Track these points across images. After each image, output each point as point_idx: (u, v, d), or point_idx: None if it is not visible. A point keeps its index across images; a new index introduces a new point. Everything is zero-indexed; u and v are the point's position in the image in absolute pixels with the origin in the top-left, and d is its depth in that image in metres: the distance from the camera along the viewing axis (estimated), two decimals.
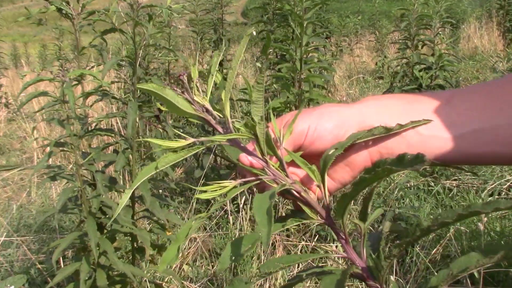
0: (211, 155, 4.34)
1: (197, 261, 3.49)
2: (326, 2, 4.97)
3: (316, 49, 4.65)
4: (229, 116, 0.69)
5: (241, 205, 3.74)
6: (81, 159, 2.37)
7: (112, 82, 3.79)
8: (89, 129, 2.48)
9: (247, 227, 3.58)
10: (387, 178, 3.87)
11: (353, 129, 0.75)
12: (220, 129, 0.69)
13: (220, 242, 3.65)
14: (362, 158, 0.77)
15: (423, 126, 0.74)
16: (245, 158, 0.71)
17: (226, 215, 3.85)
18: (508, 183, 3.81)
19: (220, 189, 0.69)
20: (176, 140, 0.67)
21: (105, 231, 2.50)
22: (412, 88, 5.11)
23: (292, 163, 0.75)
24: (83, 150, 2.52)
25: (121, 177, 4.12)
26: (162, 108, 0.71)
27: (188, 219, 3.76)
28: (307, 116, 0.76)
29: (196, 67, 0.69)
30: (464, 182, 4.02)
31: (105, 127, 3.15)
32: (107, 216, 2.46)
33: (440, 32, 5.34)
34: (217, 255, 3.56)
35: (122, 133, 2.93)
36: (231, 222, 3.66)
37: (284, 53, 4.28)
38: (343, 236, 0.70)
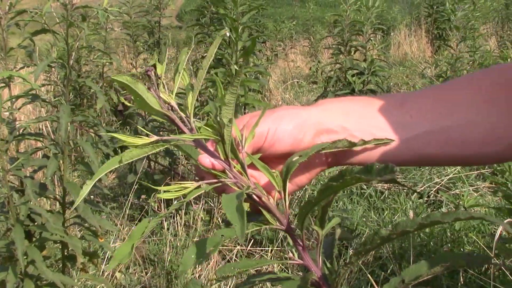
0: (145, 159, 4.27)
1: (130, 268, 3.42)
2: (262, 7, 5.00)
3: (253, 54, 4.66)
4: (192, 116, 0.67)
5: (175, 210, 3.70)
6: (8, 164, 2.28)
7: (43, 85, 3.67)
8: (18, 133, 2.39)
9: (182, 232, 3.54)
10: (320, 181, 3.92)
11: (311, 131, 0.76)
12: (185, 129, 0.67)
13: (154, 249, 3.59)
14: (320, 161, 0.78)
15: (377, 127, 0.75)
16: (206, 159, 0.69)
17: (160, 221, 3.79)
18: (437, 186, 3.93)
19: (182, 190, 0.68)
20: (140, 137, 0.65)
21: (34, 239, 2.40)
22: (345, 92, 5.21)
23: (251, 166, 0.74)
24: (10, 155, 2.42)
25: (51, 183, 3.99)
26: (127, 103, 0.71)
27: (121, 225, 3.68)
28: (266, 118, 0.75)
29: (164, 64, 0.67)
30: (394, 185, 4.12)
31: (33, 132, 3.04)
32: (36, 223, 2.37)
33: (371, 39, 5.47)
34: (151, 261, 3.50)
35: (52, 137, 2.83)
36: (165, 228, 3.61)
37: (220, 57, 4.27)
38: (301, 243, 0.70)
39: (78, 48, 2.50)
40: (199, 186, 0.68)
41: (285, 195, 0.72)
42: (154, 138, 0.66)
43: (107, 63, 6.30)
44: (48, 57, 2.43)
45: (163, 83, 0.66)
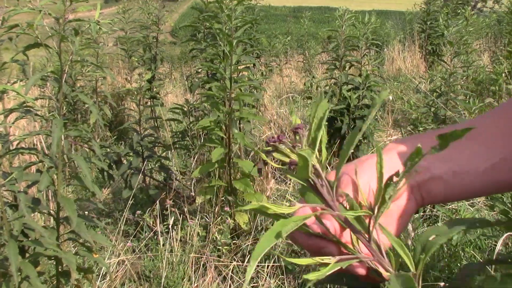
0: (140, 175, 4.24)
1: (125, 285, 3.38)
2: (256, 21, 5.00)
3: (247, 68, 4.65)
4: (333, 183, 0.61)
5: (171, 225, 3.67)
6: (1, 179, 2.25)
7: (36, 99, 3.64)
8: (11, 147, 2.36)
9: (177, 248, 3.51)
10: None
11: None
12: (328, 197, 0.61)
13: (150, 264, 3.55)
14: (411, 205, 0.75)
15: (455, 163, 0.73)
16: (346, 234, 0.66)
17: (155, 236, 3.75)
18: None
19: (323, 267, 0.60)
20: (283, 206, 0.60)
21: (28, 254, 2.37)
22: (341, 108, 5.20)
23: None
24: (4, 170, 2.39)
25: (44, 198, 3.95)
26: (270, 162, 0.62)
27: (116, 241, 3.64)
28: (366, 169, 0.72)
29: (296, 116, 0.63)
30: None
31: (27, 146, 3.01)
32: (30, 239, 2.34)
33: (366, 54, 5.48)
34: (147, 277, 3.46)
35: (46, 152, 2.81)
36: (161, 244, 3.57)
37: (215, 72, 4.26)
38: None
39: (72, 62, 2.48)
40: (339, 260, 0.61)
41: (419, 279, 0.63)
42: (298, 205, 0.60)
43: (101, 78, 6.28)
44: (41, 71, 2.41)
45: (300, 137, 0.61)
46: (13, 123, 2.57)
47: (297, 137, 0.60)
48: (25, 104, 2.29)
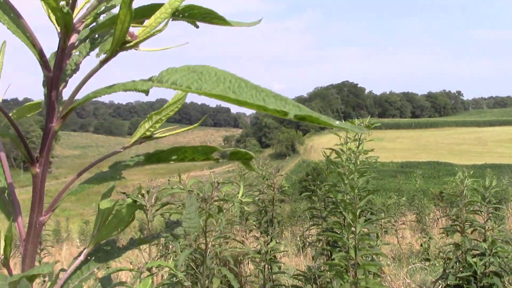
0: None
1: None
2: (377, 190, 5.08)
3: (367, 235, 4.67)
4: None
5: None
6: None
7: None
8: None
9: None
10: None
11: None
12: None
13: None
14: None
15: None
16: None
17: None
18: None
19: None
20: None
21: None
22: (467, 275, 5.00)
23: None
24: None
25: None
26: None
27: None
28: None
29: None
30: None
31: None
32: None
33: (491, 217, 5.35)
34: None
35: None
36: None
37: (336, 240, 4.31)
38: None
39: (214, 237, 2.65)
40: None
41: None
42: None
43: (224, 243, 6.49)
44: (188, 249, 2.58)
45: None
46: None
47: None
48: (175, 278, 2.44)
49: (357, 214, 3.91)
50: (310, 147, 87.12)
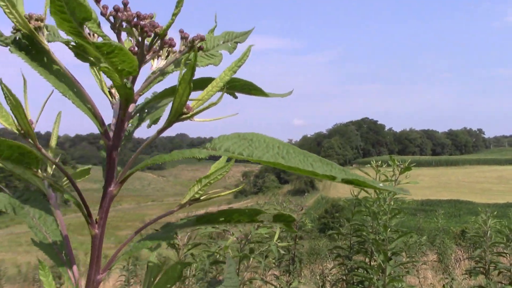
0: None
1: None
2: (410, 232, 5.04)
3: (398, 277, 4.63)
4: None
5: None
6: None
7: None
8: None
9: None
10: None
11: None
12: None
13: None
14: None
15: None
16: None
17: None
18: None
19: None
20: None
21: None
22: None
23: None
24: None
25: None
26: None
27: None
28: None
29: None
30: None
31: None
32: None
33: None
34: None
35: None
36: None
37: (362, 281, 4.28)
38: None
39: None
40: None
41: None
42: None
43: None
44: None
45: None
46: None
47: None
48: None
49: (388, 255, 3.89)
50: (330, 183, 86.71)
